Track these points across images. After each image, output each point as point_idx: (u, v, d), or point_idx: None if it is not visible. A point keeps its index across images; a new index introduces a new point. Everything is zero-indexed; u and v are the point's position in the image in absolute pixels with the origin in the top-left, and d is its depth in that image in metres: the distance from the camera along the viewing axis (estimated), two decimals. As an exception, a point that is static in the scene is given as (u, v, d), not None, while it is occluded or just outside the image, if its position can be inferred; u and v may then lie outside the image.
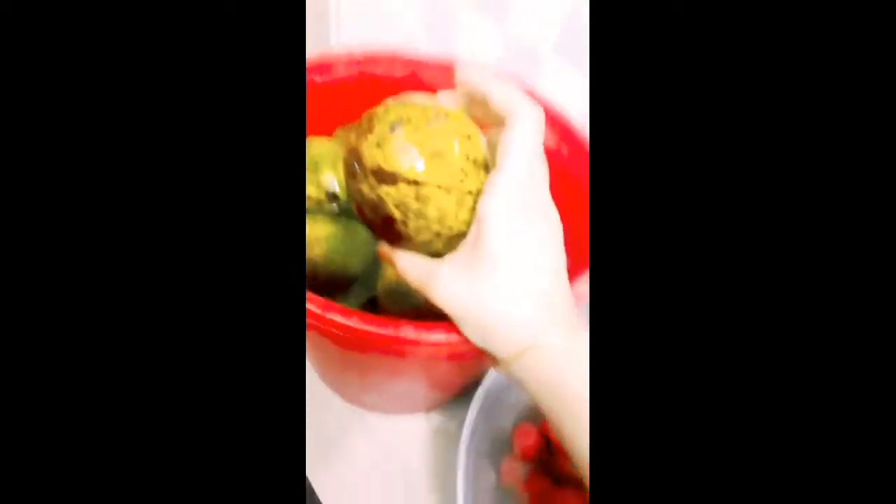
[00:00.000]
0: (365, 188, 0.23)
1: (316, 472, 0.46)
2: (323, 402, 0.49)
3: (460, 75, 0.23)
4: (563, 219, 0.24)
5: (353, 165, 0.23)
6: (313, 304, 0.26)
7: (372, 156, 0.22)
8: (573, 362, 0.22)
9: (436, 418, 0.50)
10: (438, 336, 0.26)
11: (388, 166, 0.22)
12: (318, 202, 0.37)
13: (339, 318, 0.26)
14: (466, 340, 0.25)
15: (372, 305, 0.39)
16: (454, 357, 0.28)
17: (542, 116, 0.22)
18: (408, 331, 0.26)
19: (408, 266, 0.25)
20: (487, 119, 0.24)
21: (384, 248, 0.26)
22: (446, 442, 0.50)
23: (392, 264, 0.26)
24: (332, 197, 0.37)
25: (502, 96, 0.22)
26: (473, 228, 0.23)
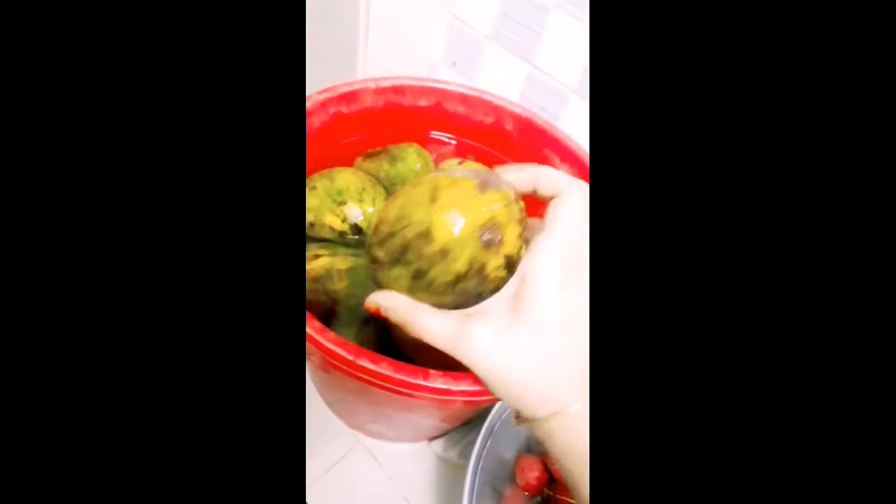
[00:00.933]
0: (491, 265, 0.23)
1: (317, 498, 0.46)
2: (325, 427, 0.49)
3: (507, 176, 0.24)
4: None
5: (496, 242, 0.23)
6: (343, 350, 0.26)
7: (515, 245, 0.23)
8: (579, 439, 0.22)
9: (437, 445, 0.50)
10: (467, 387, 0.26)
11: (517, 256, 0.24)
12: (342, 233, 0.37)
13: (368, 365, 0.26)
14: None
15: (384, 335, 0.39)
16: (471, 402, 0.28)
17: (587, 192, 0.23)
18: (437, 380, 0.26)
19: (431, 323, 0.23)
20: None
21: (385, 299, 0.25)
22: (447, 468, 0.50)
23: (399, 320, 0.24)
24: (355, 229, 0.37)
25: (550, 179, 0.24)
26: (513, 286, 0.23)
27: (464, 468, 0.43)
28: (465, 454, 0.47)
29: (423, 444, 0.51)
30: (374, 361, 0.26)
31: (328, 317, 0.35)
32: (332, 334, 0.26)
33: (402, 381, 0.26)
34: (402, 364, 0.26)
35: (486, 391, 0.26)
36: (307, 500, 0.45)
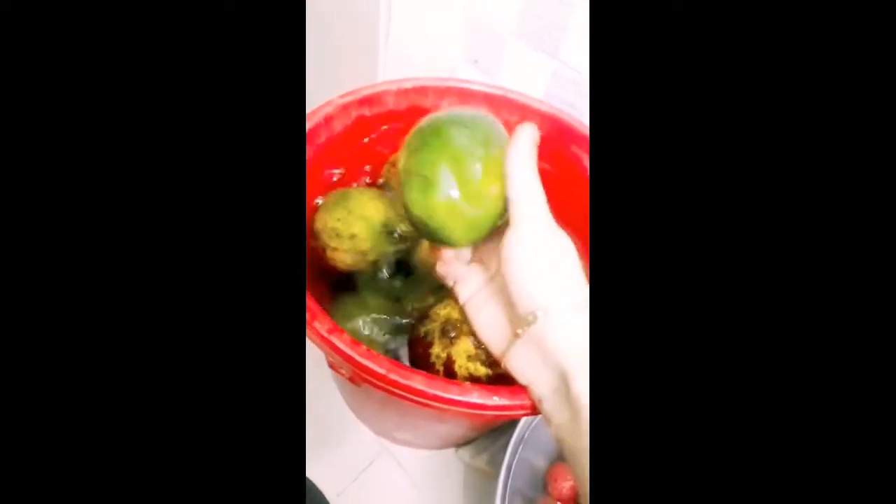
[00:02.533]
0: None
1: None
2: (351, 434, 0.49)
3: None
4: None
5: None
6: (375, 364, 0.25)
7: None
8: (579, 332, 0.22)
9: (465, 452, 0.49)
10: (501, 401, 0.25)
11: None
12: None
13: (400, 380, 0.25)
14: (526, 406, 0.25)
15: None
16: (504, 415, 0.27)
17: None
18: (471, 394, 0.25)
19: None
20: None
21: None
22: (475, 476, 0.49)
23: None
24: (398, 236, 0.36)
25: None
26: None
27: (493, 476, 0.42)
28: (494, 461, 0.46)
29: (451, 452, 0.50)
30: (405, 377, 0.25)
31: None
32: (363, 348, 0.25)
33: (435, 395, 0.25)
34: (436, 378, 0.25)
35: (520, 405, 0.25)
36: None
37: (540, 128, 0.44)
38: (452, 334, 0.33)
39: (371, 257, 0.38)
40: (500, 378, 0.27)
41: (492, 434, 0.49)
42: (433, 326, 0.35)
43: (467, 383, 0.25)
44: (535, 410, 0.25)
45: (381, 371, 0.25)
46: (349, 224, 0.36)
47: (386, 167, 0.42)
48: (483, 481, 0.48)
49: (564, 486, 0.43)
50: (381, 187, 0.41)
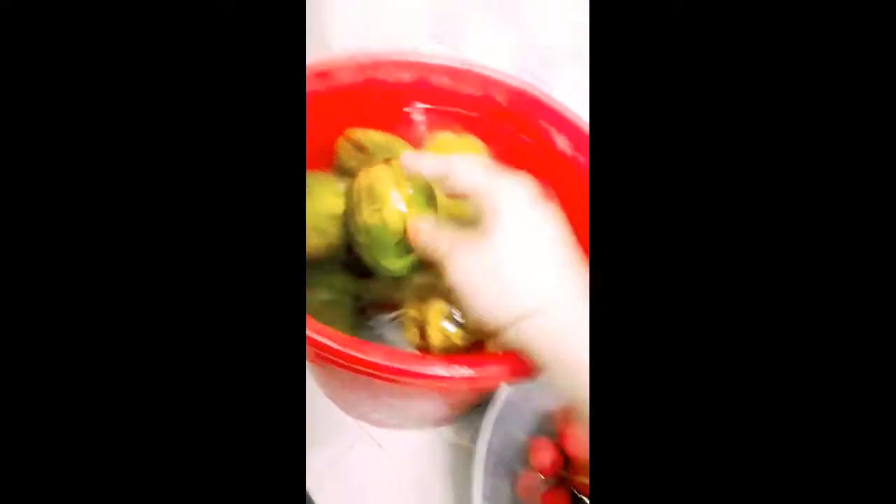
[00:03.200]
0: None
1: (322, 489, 0.45)
2: (331, 419, 0.48)
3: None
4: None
5: None
6: (331, 340, 0.24)
7: None
8: (573, 331, 0.23)
9: (447, 431, 0.49)
10: (467, 371, 0.25)
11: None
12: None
13: (357, 354, 0.24)
14: (493, 376, 0.24)
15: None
16: (475, 388, 0.27)
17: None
18: (434, 367, 0.24)
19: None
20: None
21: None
22: (460, 454, 0.49)
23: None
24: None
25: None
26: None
27: (474, 453, 0.42)
28: (475, 439, 0.46)
29: (432, 431, 0.50)
30: (364, 351, 0.24)
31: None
32: (319, 325, 0.25)
33: (395, 368, 0.24)
34: (394, 350, 0.24)
35: (487, 376, 0.24)
36: (315, 491, 0.44)
37: (507, 102, 0.44)
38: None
39: (336, 243, 0.37)
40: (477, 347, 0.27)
41: (472, 412, 0.48)
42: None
43: (429, 356, 0.25)
44: (500, 381, 0.25)
45: (338, 347, 0.24)
46: (310, 218, 0.36)
47: (339, 141, 0.41)
48: (465, 458, 0.48)
49: (546, 458, 0.43)
50: (335, 168, 0.40)
